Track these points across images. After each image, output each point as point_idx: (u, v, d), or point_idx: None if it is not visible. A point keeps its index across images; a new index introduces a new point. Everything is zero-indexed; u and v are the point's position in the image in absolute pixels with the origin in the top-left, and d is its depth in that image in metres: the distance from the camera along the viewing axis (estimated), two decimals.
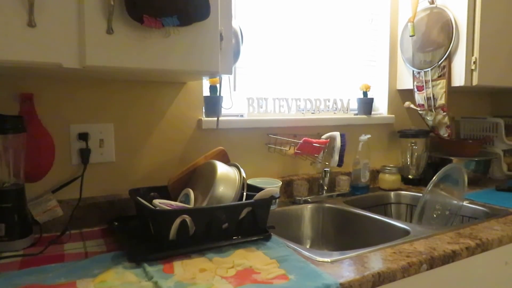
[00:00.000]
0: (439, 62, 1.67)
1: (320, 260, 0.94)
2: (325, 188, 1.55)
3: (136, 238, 1.03)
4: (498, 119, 1.97)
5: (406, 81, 1.85)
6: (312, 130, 1.62)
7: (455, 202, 1.43)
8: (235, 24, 1.22)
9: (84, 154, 1.19)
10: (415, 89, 1.80)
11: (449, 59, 1.67)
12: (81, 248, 1.00)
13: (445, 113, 1.73)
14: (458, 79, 1.65)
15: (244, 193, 1.12)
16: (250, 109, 1.50)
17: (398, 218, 1.67)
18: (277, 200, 1.45)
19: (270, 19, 1.57)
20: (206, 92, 1.40)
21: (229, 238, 1.03)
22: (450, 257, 1.01)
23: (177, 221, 0.95)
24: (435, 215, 1.46)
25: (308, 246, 1.47)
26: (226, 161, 1.23)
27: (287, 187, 1.54)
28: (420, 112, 1.84)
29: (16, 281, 0.80)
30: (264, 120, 1.51)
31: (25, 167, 1.04)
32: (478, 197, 1.56)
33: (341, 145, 1.52)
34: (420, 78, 1.76)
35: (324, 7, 1.69)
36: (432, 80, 1.71)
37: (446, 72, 1.67)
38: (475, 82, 1.64)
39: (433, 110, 1.76)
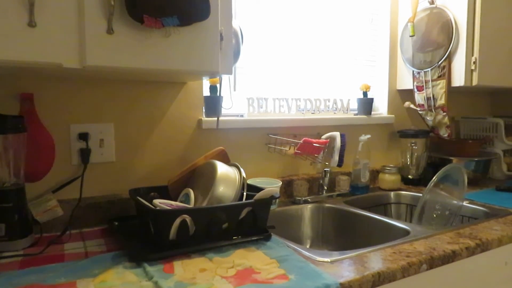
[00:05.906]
0: (439, 62, 1.67)
1: (320, 260, 0.94)
2: (325, 188, 1.55)
3: (136, 238, 1.03)
4: (498, 119, 1.97)
5: (406, 81, 1.85)
6: (312, 130, 1.62)
7: (455, 202, 1.43)
8: (235, 24, 1.22)
9: (84, 154, 1.19)
10: (415, 89, 1.80)
11: (449, 59, 1.67)
12: (81, 248, 1.00)
13: (445, 113, 1.73)
14: (458, 79, 1.65)
15: (244, 193, 1.12)
16: (250, 109, 1.50)
17: (398, 218, 1.67)
18: (277, 200, 1.45)
19: (270, 19, 1.57)
20: (206, 92, 1.40)
21: (229, 238, 1.03)
22: (450, 257, 1.01)
23: (177, 221, 0.95)
24: (435, 215, 1.46)
25: (308, 246, 1.47)
26: (226, 161, 1.23)
27: (287, 187, 1.54)
28: (420, 112, 1.84)
29: (16, 281, 0.80)
30: (264, 120, 1.51)
31: (25, 167, 1.04)
32: (478, 197, 1.57)
33: (341, 145, 1.52)
34: (420, 78, 1.76)
35: (324, 7, 1.69)
36: (432, 80, 1.71)
37: (446, 72, 1.67)
38: (475, 82, 1.64)
39: (433, 110, 1.76)
